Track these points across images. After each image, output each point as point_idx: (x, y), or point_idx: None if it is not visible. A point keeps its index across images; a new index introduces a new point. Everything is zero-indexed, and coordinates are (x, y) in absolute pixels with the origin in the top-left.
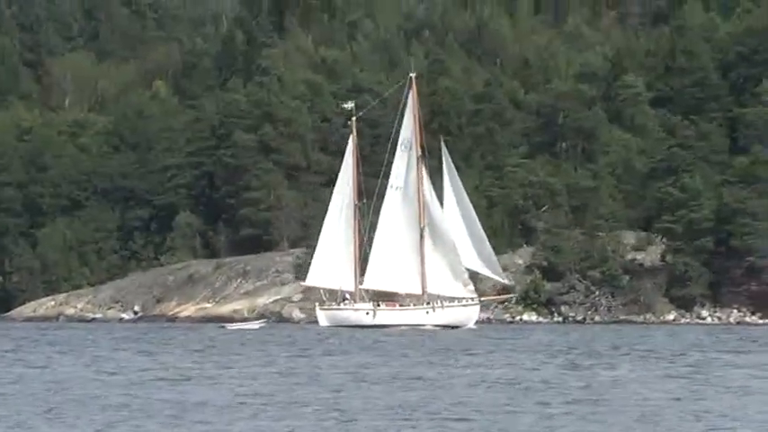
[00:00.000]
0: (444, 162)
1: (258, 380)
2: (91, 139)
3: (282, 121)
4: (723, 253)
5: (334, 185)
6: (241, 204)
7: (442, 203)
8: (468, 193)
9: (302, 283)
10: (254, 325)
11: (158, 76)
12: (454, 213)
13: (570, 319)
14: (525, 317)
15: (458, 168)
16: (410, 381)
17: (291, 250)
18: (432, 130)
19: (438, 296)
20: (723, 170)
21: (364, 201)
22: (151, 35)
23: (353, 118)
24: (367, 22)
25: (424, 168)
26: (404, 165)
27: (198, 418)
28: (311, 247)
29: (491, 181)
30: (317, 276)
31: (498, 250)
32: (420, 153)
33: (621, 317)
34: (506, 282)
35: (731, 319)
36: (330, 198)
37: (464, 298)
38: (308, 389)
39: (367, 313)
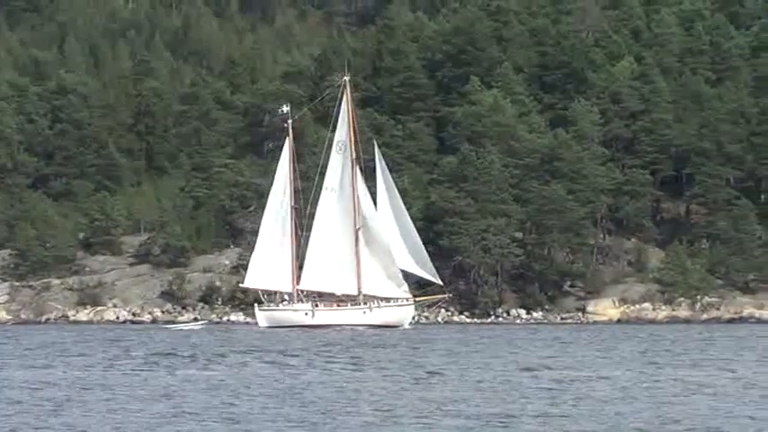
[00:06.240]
0: (378, 164)
1: None
2: None
3: None
4: (432, 252)
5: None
6: None
7: (375, 205)
8: (175, 195)
9: (241, 285)
10: (196, 326)
11: None
12: (388, 215)
13: None
14: (233, 317)
15: (163, 170)
16: None
17: None
18: (139, 131)
19: (373, 296)
20: (431, 169)
21: (300, 202)
22: None
23: (289, 121)
24: (75, 22)
25: (358, 170)
26: (339, 167)
27: None
28: (17, 249)
29: (198, 182)
30: (255, 278)
31: (205, 251)
32: (355, 155)
33: None
34: (440, 282)
35: (439, 319)
36: (266, 203)
37: (399, 298)
38: None
39: (306, 314)
